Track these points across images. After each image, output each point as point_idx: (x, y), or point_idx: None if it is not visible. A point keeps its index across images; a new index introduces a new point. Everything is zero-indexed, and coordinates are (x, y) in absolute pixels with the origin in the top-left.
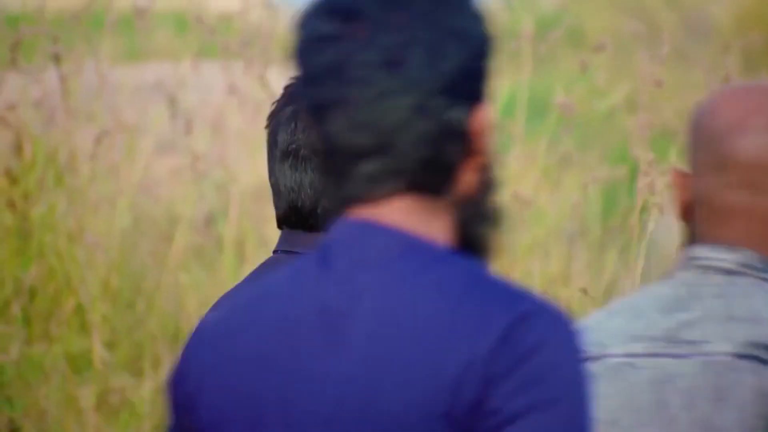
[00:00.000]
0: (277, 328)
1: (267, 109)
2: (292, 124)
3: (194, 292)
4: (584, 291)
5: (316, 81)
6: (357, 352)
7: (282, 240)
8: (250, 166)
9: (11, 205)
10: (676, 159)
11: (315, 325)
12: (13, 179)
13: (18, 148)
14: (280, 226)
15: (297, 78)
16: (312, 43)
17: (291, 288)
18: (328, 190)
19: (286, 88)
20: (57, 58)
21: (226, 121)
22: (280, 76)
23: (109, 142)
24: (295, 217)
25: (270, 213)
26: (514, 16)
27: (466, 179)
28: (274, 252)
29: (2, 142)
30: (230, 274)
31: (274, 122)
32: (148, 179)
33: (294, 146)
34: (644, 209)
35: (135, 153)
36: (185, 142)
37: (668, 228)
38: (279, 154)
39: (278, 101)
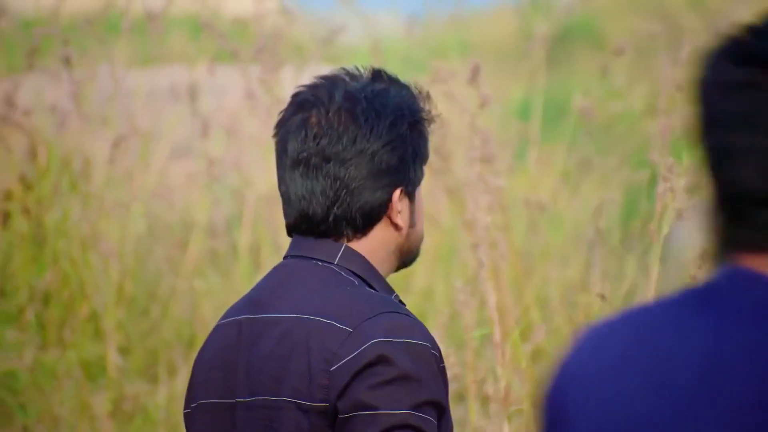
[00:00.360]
0: (648, 367)
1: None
2: (303, 133)
3: (209, 298)
4: (602, 297)
5: (724, 125)
6: (728, 409)
7: (292, 245)
8: (265, 171)
9: (26, 211)
10: (696, 163)
11: (689, 373)
12: (27, 185)
13: (32, 154)
14: (290, 233)
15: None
16: (722, 88)
17: (665, 329)
18: (717, 231)
19: (294, 96)
20: (68, 61)
21: (241, 125)
22: (295, 81)
23: (124, 148)
24: (306, 225)
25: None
26: (530, 18)
27: None
28: (285, 257)
29: (17, 148)
30: (245, 280)
31: (283, 130)
32: (163, 185)
33: (305, 154)
34: (664, 214)
35: (149, 158)
36: (200, 146)
37: (687, 233)
38: (289, 162)
39: (286, 109)
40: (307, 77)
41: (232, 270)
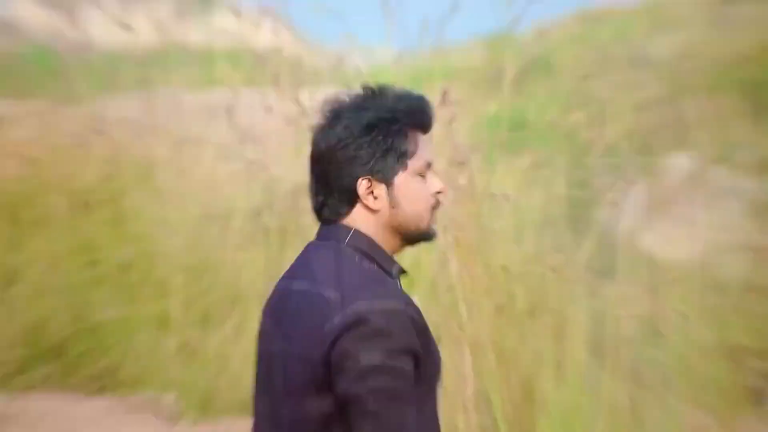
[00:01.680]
0: None
1: (302, 125)
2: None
3: (248, 267)
4: (554, 270)
5: None
6: None
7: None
8: (290, 171)
9: (110, 200)
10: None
11: None
12: (109, 180)
13: (112, 156)
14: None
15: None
16: None
17: None
18: None
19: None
20: (141, 83)
21: (271, 134)
22: (311, 101)
23: (182, 151)
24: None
25: (305, 205)
26: (498, 49)
27: None
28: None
29: (98, 153)
30: (276, 254)
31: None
32: (212, 180)
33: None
34: (600, 203)
35: (201, 160)
36: (240, 151)
37: (616, 219)
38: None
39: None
40: (321, 97)
41: (266, 246)
